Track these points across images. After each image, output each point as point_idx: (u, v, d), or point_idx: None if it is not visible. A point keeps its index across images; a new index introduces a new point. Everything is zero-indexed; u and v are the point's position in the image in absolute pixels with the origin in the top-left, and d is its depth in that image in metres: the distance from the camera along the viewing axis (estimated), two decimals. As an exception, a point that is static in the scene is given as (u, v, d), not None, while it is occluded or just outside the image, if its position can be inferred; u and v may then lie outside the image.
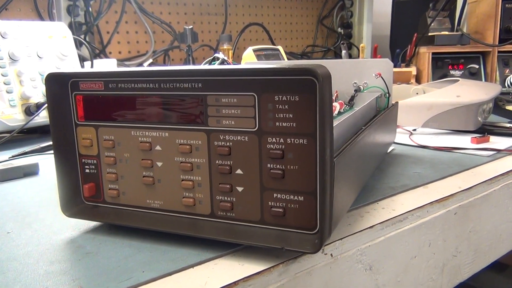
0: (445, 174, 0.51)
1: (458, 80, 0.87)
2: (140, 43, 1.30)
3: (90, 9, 1.15)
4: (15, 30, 0.79)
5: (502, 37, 1.25)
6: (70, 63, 0.86)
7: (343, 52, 1.52)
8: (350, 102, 0.53)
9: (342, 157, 0.32)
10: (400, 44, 1.40)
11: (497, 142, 0.65)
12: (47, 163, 0.61)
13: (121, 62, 1.20)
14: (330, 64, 0.64)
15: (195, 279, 0.29)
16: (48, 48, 0.83)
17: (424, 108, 0.73)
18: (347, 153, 0.34)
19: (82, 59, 1.04)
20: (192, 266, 0.31)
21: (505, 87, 1.12)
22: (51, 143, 0.41)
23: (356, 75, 0.59)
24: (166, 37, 1.34)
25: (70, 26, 1.10)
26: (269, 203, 0.32)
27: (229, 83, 0.31)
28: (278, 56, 0.98)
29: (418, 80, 1.26)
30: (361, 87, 0.59)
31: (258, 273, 0.30)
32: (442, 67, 1.25)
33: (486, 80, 1.25)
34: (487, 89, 0.78)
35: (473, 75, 1.24)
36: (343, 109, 0.51)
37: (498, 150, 0.60)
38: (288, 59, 1.31)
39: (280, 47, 1.04)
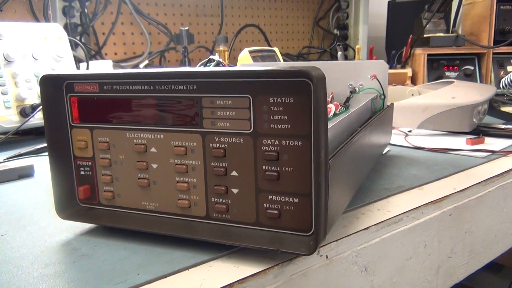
0: (440, 175, 0.51)
1: (453, 82, 0.87)
2: (136, 44, 1.29)
3: (85, 10, 1.15)
4: (10, 31, 0.79)
5: (497, 38, 1.25)
6: (65, 65, 0.86)
7: (339, 53, 1.52)
8: (346, 104, 0.54)
9: (337, 158, 0.32)
10: (395, 45, 1.40)
11: (492, 143, 0.66)
12: (42, 165, 0.60)
13: (117, 63, 1.19)
14: (325, 65, 0.64)
15: (190, 281, 0.29)
16: (44, 49, 0.83)
17: (419, 110, 0.73)
18: (342, 155, 0.34)
19: (77, 61, 1.04)
20: (187, 268, 0.31)
21: (500, 88, 1.12)
22: (46, 144, 0.41)
23: (351, 76, 0.59)
24: (162, 39, 1.34)
25: (65, 27, 1.09)
26: (264, 205, 0.32)
27: (224, 85, 0.31)
28: (274, 58, 0.98)
29: (413, 81, 1.26)
30: (357, 89, 0.59)
31: (253, 275, 0.30)
32: (437, 69, 1.25)
33: (481, 81, 1.25)
34: (482, 91, 0.78)
35: (468, 76, 1.24)
36: (339, 111, 0.51)
37: (493, 152, 0.61)
38: (284, 60, 1.31)
39: (276, 49, 1.04)
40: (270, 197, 0.32)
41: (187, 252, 0.33)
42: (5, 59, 0.76)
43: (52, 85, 0.36)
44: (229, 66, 0.72)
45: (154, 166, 0.35)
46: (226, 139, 0.32)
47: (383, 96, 0.58)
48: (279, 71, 0.30)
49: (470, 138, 0.66)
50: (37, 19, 1.11)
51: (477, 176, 0.51)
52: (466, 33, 1.34)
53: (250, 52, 0.91)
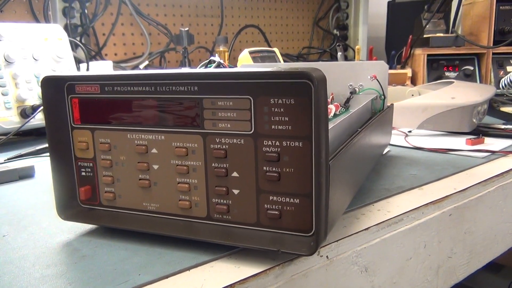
0: (440, 175, 0.51)
1: (453, 82, 0.87)
2: (136, 45, 1.30)
3: (85, 11, 1.15)
4: (11, 32, 0.79)
5: (496, 39, 1.25)
6: (65, 66, 0.86)
7: (339, 54, 1.52)
8: (346, 104, 0.54)
9: (337, 159, 0.33)
10: (395, 45, 1.40)
11: (492, 143, 0.66)
12: (42, 165, 0.61)
13: (117, 64, 1.20)
14: (325, 66, 0.64)
15: (191, 282, 0.29)
16: (44, 50, 0.83)
17: (419, 110, 0.73)
18: (343, 156, 0.34)
19: (78, 61, 1.04)
20: (188, 268, 0.31)
21: (499, 88, 1.12)
22: (47, 145, 0.41)
23: (351, 77, 0.59)
24: (162, 39, 1.34)
25: (65, 28, 1.10)
26: (265, 205, 0.32)
27: (225, 86, 0.31)
28: (274, 58, 0.98)
29: (413, 81, 1.26)
30: (357, 89, 0.59)
31: (254, 275, 0.30)
32: (437, 69, 1.25)
33: (480, 81, 1.25)
34: (482, 91, 0.79)
35: (468, 76, 1.24)
36: (339, 111, 0.51)
37: (493, 152, 0.61)
38: (284, 61, 1.31)
39: (276, 49, 1.04)
40: (270, 197, 0.32)
41: (188, 252, 0.33)
42: (6, 60, 0.77)
43: (53, 86, 0.36)
44: (230, 67, 0.72)
45: (155, 167, 0.35)
46: (227, 140, 0.32)
47: (383, 97, 0.58)
48: (280, 73, 0.30)
49: (470, 138, 0.66)
50: (37, 20, 1.11)
51: (477, 176, 0.51)
52: (466, 33, 1.34)
53: (250, 52, 0.91)
